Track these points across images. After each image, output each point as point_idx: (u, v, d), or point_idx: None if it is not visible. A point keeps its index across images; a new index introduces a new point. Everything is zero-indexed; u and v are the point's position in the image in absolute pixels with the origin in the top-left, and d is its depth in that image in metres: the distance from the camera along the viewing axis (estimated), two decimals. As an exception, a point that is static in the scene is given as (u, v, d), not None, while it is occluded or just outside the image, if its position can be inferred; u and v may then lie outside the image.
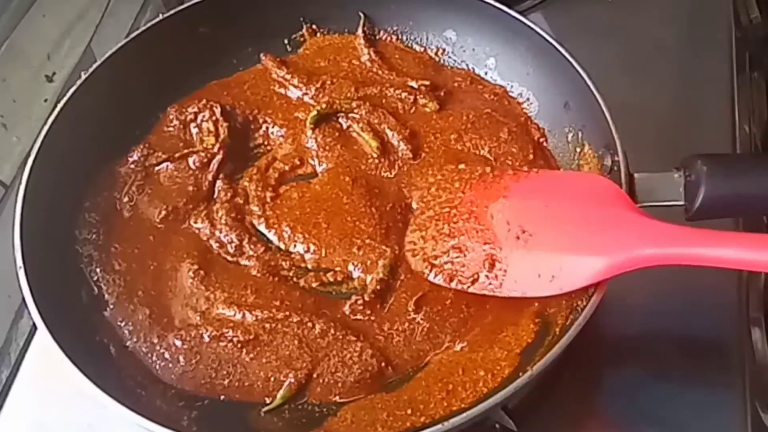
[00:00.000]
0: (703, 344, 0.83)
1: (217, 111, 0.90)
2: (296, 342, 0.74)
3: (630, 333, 0.84)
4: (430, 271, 0.75)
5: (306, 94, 0.94)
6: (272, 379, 0.73)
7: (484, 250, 0.73)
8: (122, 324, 0.77)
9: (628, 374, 0.81)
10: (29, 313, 0.70)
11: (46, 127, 0.82)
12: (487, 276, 0.72)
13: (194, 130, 0.91)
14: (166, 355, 0.75)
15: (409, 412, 0.69)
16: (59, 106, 0.83)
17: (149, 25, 0.92)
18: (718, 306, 0.85)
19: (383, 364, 0.73)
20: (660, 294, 0.86)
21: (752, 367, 0.80)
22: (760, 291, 0.85)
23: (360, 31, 0.98)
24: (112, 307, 0.78)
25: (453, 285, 0.73)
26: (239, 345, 0.75)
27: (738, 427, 0.77)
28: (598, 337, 0.81)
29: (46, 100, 0.98)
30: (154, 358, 0.75)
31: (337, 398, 0.72)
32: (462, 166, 0.82)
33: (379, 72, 0.96)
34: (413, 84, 0.94)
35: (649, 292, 0.86)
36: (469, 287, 0.73)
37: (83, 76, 0.86)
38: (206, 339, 0.75)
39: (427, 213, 0.79)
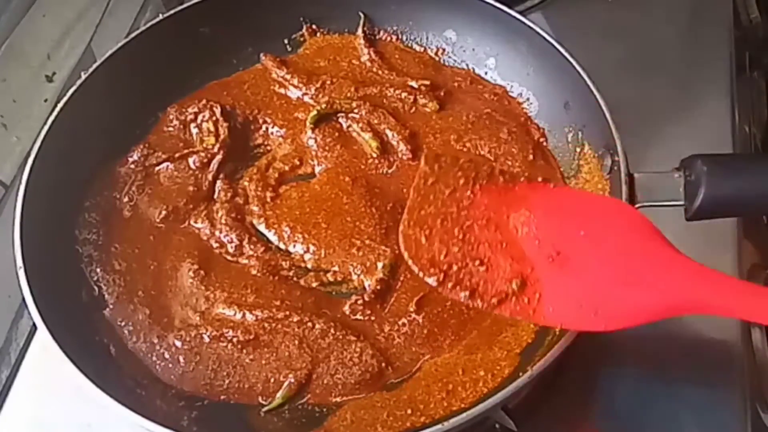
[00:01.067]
0: (703, 344, 0.83)
1: (218, 111, 0.90)
2: (296, 342, 0.74)
3: (630, 333, 0.84)
4: (443, 279, 0.67)
5: (306, 94, 0.94)
6: (272, 380, 0.73)
7: (512, 266, 0.66)
8: (122, 324, 0.77)
9: (628, 374, 0.81)
10: (29, 313, 0.70)
11: (46, 127, 0.82)
12: (516, 298, 0.65)
13: (194, 130, 0.91)
14: (166, 355, 0.75)
15: (409, 412, 0.69)
16: (59, 106, 0.83)
17: (149, 25, 0.92)
18: (718, 306, 0.85)
19: (383, 364, 0.73)
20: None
21: (752, 367, 0.80)
22: (760, 291, 0.84)
23: (360, 31, 0.98)
24: (112, 307, 0.78)
25: (476, 303, 0.66)
26: (239, 345, 0.75)
27: (738, 427, 0.77)
28: (598, 337, 0.81)
29: (46, 100, 0.98)
30: (154, 358, 0.75)
31: (337, 398, 0.72)
32: (462, 159, 0.74)
33: (379, 72, 0.96)
34: (413, 84, 0.94)
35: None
36: (495, 308, 0.66)
37: (83, 76, 0.86)
38: (206, 339, 0.75)
39: (427, 208, 0.71)
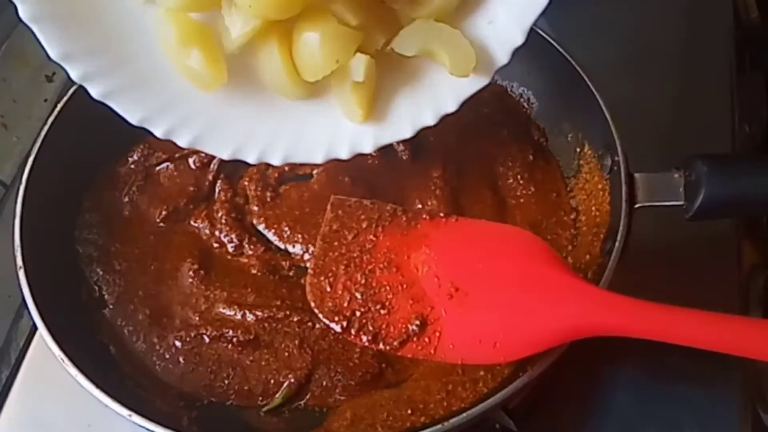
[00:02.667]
0: (703, 344, 0.83)
1: (218, 111, 0.90)
2: (296, 342, 0.74)
3: (630, 333, 0.84)
4: (347, 326, 0.68)
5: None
6: (272, 381, 0.73)
7: (412, 307, 0.68)
8: (122, 324, 0.77)
9: (628, 374, 0.81)
10: (29, 313, 0.70)
11: (46, 127, 0.82)
12: (417, 338, 0.66)
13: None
14: (166, 356, 0.75)
15: (409, 412, 0.69)
16: (59, 106, 0.83)
17: (149, 25, 0.92)
18: (718, 306, 0.85)
19: (383, 365, 0.73)
20: (659, 294, 0.86)
21: (752, 367, 0.80)
22: (760, 291, 0.85)
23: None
24: (112, 307, 0.78)
25: (378, 347, 0.68)
26: (239, 346, 0.75)
27: (738, 427, 0.77)
28: (598, 338, 0.81)
29: (46, 100, 0.98)
30: (154, 359, 0.75)
31: (336, 398, 0.72)
32: (367, 202, 0.75)
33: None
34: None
35: (648, 292, 0.86)
36: (397, 350, 0.67)
37: (83, 76, 0.86)
38: (206, 340, 0.75)
39: (332, 255, 0.72)
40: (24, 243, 0.74)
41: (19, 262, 0.73)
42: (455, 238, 0.71)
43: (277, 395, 0.72)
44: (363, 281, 0.70)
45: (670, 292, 0.86)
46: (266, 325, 0.75)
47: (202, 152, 0.88)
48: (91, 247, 0.82)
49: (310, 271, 0.72)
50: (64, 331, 0.70)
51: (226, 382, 0.73)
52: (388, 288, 0.69)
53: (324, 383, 0.73)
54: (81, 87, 0.84)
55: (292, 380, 0.73)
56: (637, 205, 0.72)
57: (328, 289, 0.70)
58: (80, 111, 0.85)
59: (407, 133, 0.70)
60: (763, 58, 1.10)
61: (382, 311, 0.68)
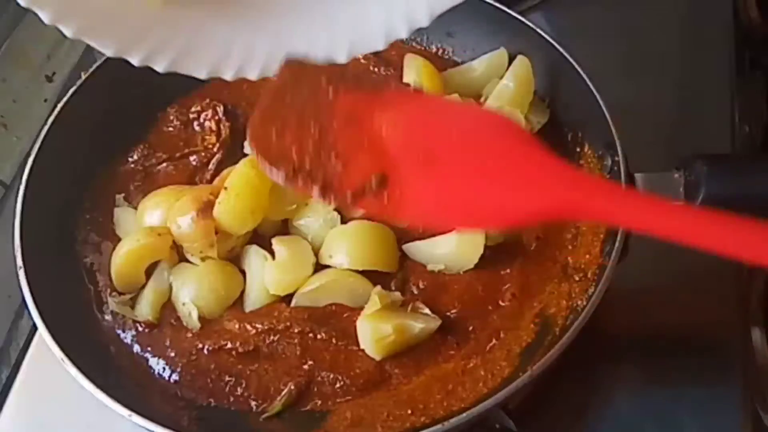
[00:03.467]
0: (703, 344, 0.83)
1: (220, 110, 0.90)
2: (297, 353, 0.73)
3: (630, 333, 0.84)
4: (293, 174, 0.60)
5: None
6: (272, 389, 0.72)
7: (372, 164, 0.61)
8: (122, 325, 0.77)
9: (628, 374, 0.81)
10: (29, 313, 0.70)
11: (46, 127, 0.82)
12: (375, 195, 0.60)
13: (197, 129, 0.91)
14: (166, 361, 0.75)
15: (409, 412, 0.69)
16: (59, 106, 0.83)
17: (149, 25, 0.92)
18: (718, 306, 0.85)
19: (385, 372, 0.72)
20: (660, 294, 0.86)
21: (752, 367, 0.80)
22: (760, 291, 0.85)
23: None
24: (112, 307, 0.78)
25: (328, 198, 0.61)
26: (239, 357, 0.74)
27: (738, 427, 0.77)
28: (598, 338, 0.81)
29: (46, 100, 0.98)
30: (155, 361, 0.75)
31: (336, 403, 0.72)
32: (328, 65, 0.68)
33: (376, 70, 0.96)
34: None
35: (648, 292, 0.86)
36: (349, 201, 0.60)
37: (83, 76, 0.86)
38: (205, 352, 0.74)
39: (281, 106, 0.64)
40: (24, 243, 0.74)
41: (19, 262, 0.73)
42: (426, 108, 0.66)
43: (276, 401, 0.72)
44: (317, 133, 0.62)
45: (669, 292, 0.86)
46: (265, 337, 0.74)
47: (202, 152, 0.88)
48: (91, 247, 0.82)
49: (253, 118, 0.64)
50: (64, 331, 0.70)
51: (226, 389, 0.73)
52: (345, 142, 0.62)
53: (324, 390, 0.72)
54: (81, 87, 0.86)
55: (292, 387, 0.72)
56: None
57: (275, 137, 0.62)
58: (80, 111, 0.85)
59: (379, 45, 0.67)
60: (763, 58, 1.10)
61: (337, 164, 0.61)
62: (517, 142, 0.61)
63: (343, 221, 0.78)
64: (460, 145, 0.62)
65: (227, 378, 0.73)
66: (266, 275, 0.76)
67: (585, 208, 0.56)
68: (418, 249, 0.77)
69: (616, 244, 0.70)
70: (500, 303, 0.76)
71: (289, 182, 0.61)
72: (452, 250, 0.76)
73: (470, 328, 0.75)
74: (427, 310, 0.75)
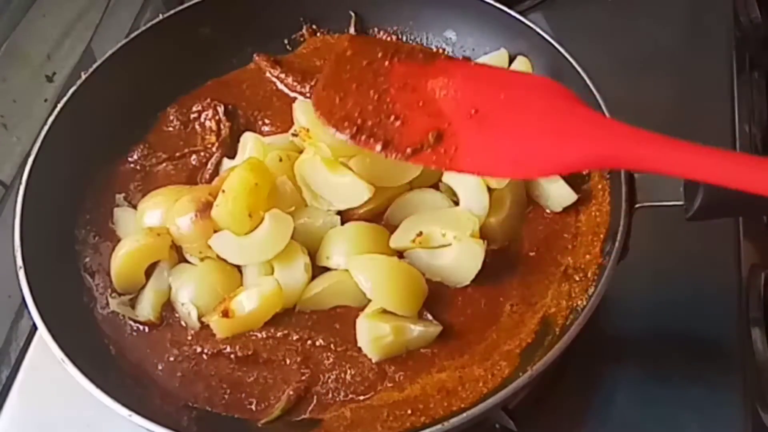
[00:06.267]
0: (703, 344, 0.83)
1: (221, 110, 0.91)
2: (297, 359, 0.73)
3: (630, 333, 0.85)
4: (356, 132, 0.68)
5: (301, 92, 0.94)
6: (271, 397, 0.72)
7: (429, 122, 0.68)
8: (122, 325, 0.77)
9: (628, 374, 0.81)
10: (29, 313, 0.70)
11: (46, 127, 0.82)
12: (432, 149, 0.66)
13: (197, 129, 0.91)
14: (165, 363, 0.75)
15: (409, 412, 0.69)
16: (59, 106, 0.83)
17: (149, 25, 0.93)
18: (718, 306, 0.85)
19: (384, 376, 0.72)
20: (660, 294, 0.86)
21: (752, 367, 0.80)
22: (760, 291, 0.85)
23: (352, 30, 0.98)
24: (112, 307, 0.78)
25: (390, 154, 0.67)
26: (238, 362, 0.74)
27: (738, 427, 0.77)
28: (598, 338, 0.81)
29: (46, 100, 0.98)
30: (155, 361, 0.75)
31: (335, 407, 0.71)
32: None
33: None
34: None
35: (648, 292, 0.86)
36: (408, 157, 0.67)
37: (83, 76, 0.86)
38: (204, 357, 0.74)
39: (343, 75, 0.72)
40: (24, 243, 0.74)
41: (19, 262, 0.73)
42: (475, 73, 0.72)
43: (275, 408, 0.71)
44: (376, 97, 0.70)
45: (670, 292, 0.86)
46: (264, 344, 0.74)
47: (202, 152, 0.88)
48: (91, 247, 0.82)
49: (317, 85, 0.71)
50: (64, 331, 0.69)
51: (226, 396, 0.72)
52: (402, 104, 0.69)
53: (323, 398, 0.72)
54: (81, 87, 0.86)
55: (291, 393, 0.72)
56: (637, 205, 0.72)
57: (338, 101, 0.70)
58: (80, 111, 0.85)
59: None
60: (763, 58, 1.10)
61: (396, 122, 0.68)
62: (562, 98, 0.67)
63: (343, 222, 0.79)
64: (508, 103, 0.68)
65: (226, 385, 0.73)
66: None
67: (629, 155, 0.61)
68: (419, 257, 0.77)
69: (616, 244, 0.70)
70: (501, 318, 0.75)
71: (353, 141, 0.68)
72: (450, 263, 0.76)
73: (471, 338, 0.74)
74: (429, 316, 0.75)
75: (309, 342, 0.74)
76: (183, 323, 0.76)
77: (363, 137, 0.68)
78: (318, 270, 0.78)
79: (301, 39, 1.00)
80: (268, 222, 0.74)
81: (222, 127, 0.90)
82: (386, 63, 0.72)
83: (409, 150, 0.67)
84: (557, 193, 0.80)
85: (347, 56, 0.73)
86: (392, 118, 0.68)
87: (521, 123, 0.66)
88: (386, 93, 0.70)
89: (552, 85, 0.69)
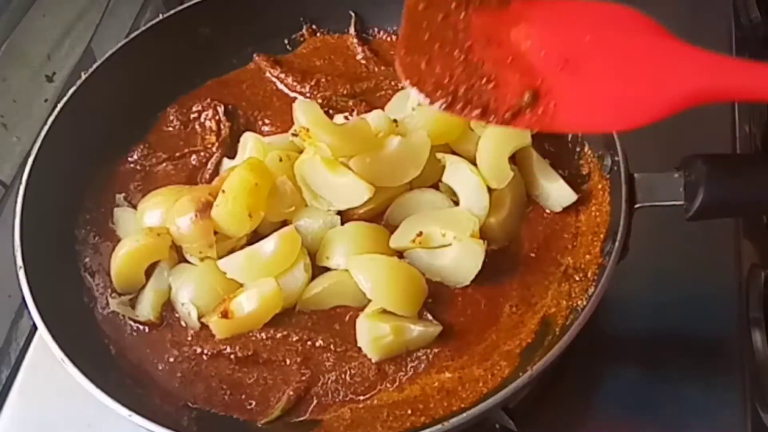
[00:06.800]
0: (703, 344, 0.83)
1: (221, 110, 0.91)
2: (297, 359, 0.73)
3: (630, 333, 0.85)
4: (452, 101, 0.63)
5: (301, 92, 0.94)
6: (271, 398, 0.72)
7: (521, 80, 0.63)
8: (122, 325, 0.77)
9: (628, 374, 0.81)
10: (29, 313, 0.70)
11: (46, 127, 0.82)
12: (531, 110, 0.62)
13: (197, 129, 0.91)
14: (165, 364, 0.75)
15: (409, 412, 0.69)
16: (59, 106, 0.83)
17: (149, 25, 0.93)
18: (718, 306, 0.85)
19: (384, 376, 0.72)
20: (660, 295, 0.86)
21: (752, 367, 0.80)
22: (760, 291, 0.85)
23: (352, 30, 0.98)
24: (112, 307, 0.78)
25: (489, 119, 0.63)
26: (238, 363, 0.74)
27: (738, 427, 0.77)
28: (598, 338, 0.81)
29: (46, 100, 0.98)
30: (155, 361, 0.75)
31: (335, 407, 0.71)
32: None
33: (375, 69, 0.96)
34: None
35: (648, 292, 0.86)
36: (508, 122, 0.63)
37: (83, 76, 0.86)
38: (204, 358, 0.74)
39: (422, 36, 0.66)
40: (24, 243, 0.74)
41: (19, 262, 0.73)
42: (554, 14, 0.67)
43: (275, 408, 0.71)
44: (462, 58, 0.65)
45: (670, 292, 0.86)
46: (263, 344, 0.74)
47: (202, 152, 0.88)
48: (91, 247, 0.82)
49: (398, 51, 0.65)
50: (64, 331, 0.69)
51: (226, 396, 0.72)
52: (491, 63, 0.64)
53: (322, 398, 0.72)
54: (81, 87, 0.86)
55: (291, 393, 0.72)
56: (637, 205, 0.72)
57: (424, 67, 0.64)
58: (80, 111, 0.85)
59: None
60: (763, 58, 1.10)
61: (489, 85, 0.63)
62: (649, 34, 0.64)
63: (343, 222, 0.79)
64: (597, 48, 0.64)
65: (226, 385, 0.73)
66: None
67: (729, 88, 0.59)
68: (419, 257, 0.77)
69: (616, 244, 0.70)
70: (501, 318, 0.75)
71: (448, 110, 0.63)
72: (450, 263, 0.76)
73: (471, 338, 0.74)
74: (429, 316, 0.75)
75: (309, 342, 0.74)
76: (183, 323, 0.76)
77: (459, 105, 0.63)
78: (318, 270, 0.77)
79: (301, 39, 1.00)
80: (276, 242, 0.75)
81: (222, 127, 0.90)
82: (462, 15, 0.66)
83: (508, 114, 0.62)
84: (557, 193, 0.80)
85: (420, 11, 0.67)
86: (484, 80, 0.64)
87: (615, 68, 0.63)
88: (471, 52, 0.65)
89: (635, 17, 0.65)
